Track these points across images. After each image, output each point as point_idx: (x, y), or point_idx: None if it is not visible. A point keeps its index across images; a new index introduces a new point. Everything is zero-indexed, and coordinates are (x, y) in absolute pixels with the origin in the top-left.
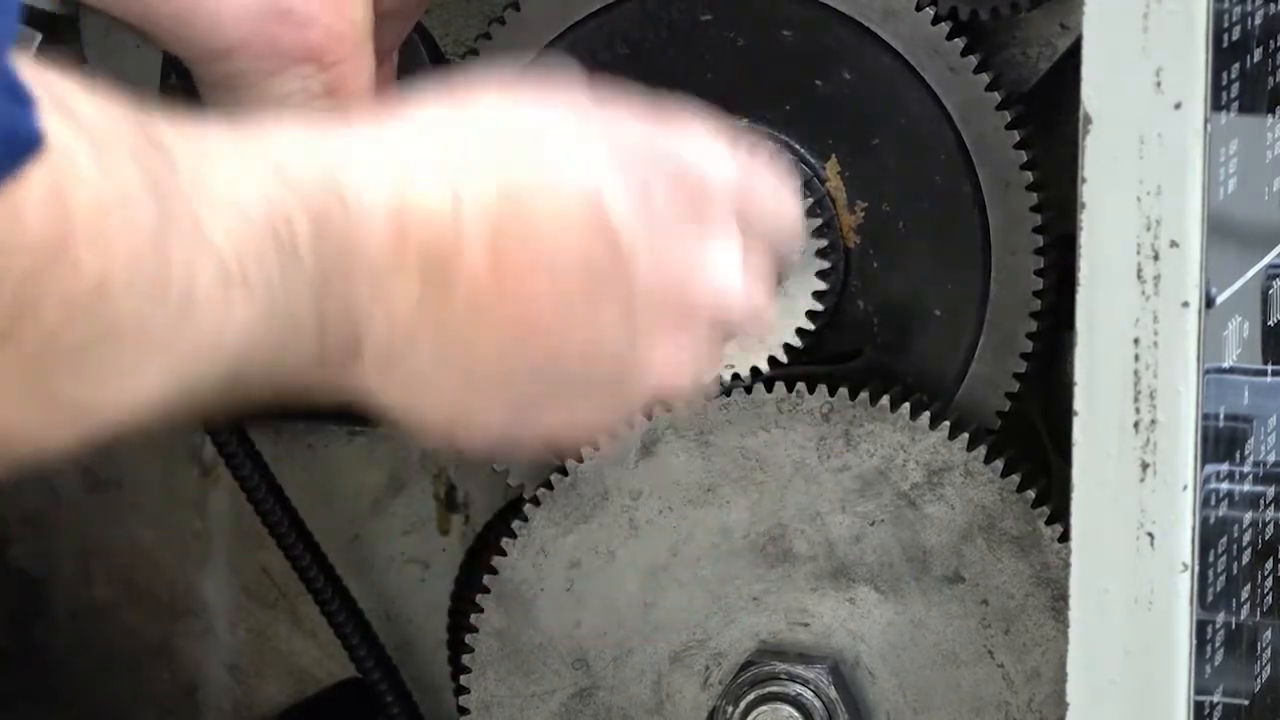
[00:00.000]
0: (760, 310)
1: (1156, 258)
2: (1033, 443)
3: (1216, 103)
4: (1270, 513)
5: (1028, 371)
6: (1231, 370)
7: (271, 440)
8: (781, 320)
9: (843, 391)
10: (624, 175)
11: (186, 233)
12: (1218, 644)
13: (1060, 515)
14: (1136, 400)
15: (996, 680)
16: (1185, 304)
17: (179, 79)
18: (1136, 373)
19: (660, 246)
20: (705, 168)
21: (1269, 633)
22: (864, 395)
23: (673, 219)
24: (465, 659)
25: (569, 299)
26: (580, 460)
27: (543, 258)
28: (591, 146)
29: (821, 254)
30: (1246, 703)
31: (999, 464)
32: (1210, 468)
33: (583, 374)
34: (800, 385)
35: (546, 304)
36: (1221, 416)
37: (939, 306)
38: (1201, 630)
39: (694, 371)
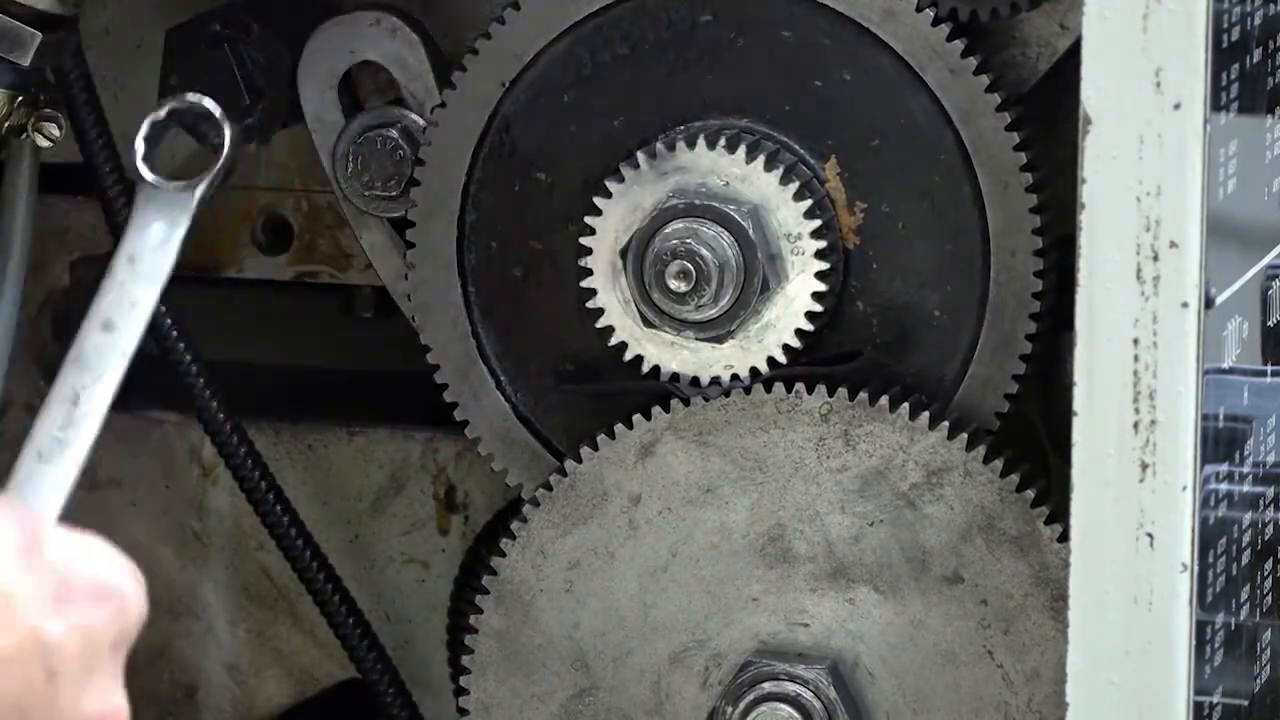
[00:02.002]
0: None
1: (1156, 258)
2: (1032, 443)
3: (1216, 103)
4: (1269, 513)
5: (1027, 372)
6: (1231, 371)
7: (271, 440)
8: (781, 320)
9: (842, 392)
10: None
11: None
12: (1217, 644)
13: (1060, 515)
14: (1136, 401)
15: (996, 680)
16: (1185, 304)
17: (179, 79)
18: (1136, 373)
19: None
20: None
21: (1268, 633)
22: (863, 395)
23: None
24: (465, 659)
25: None
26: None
27: None
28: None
29: (821, 254)
30: (1246, 703)
31: (998, 464)
32: (1210, 468)
33: None
34: (799, 386)
35: None
36: (1221, 417)
37: (938, 307)
38: (1201, 631)
39: None
